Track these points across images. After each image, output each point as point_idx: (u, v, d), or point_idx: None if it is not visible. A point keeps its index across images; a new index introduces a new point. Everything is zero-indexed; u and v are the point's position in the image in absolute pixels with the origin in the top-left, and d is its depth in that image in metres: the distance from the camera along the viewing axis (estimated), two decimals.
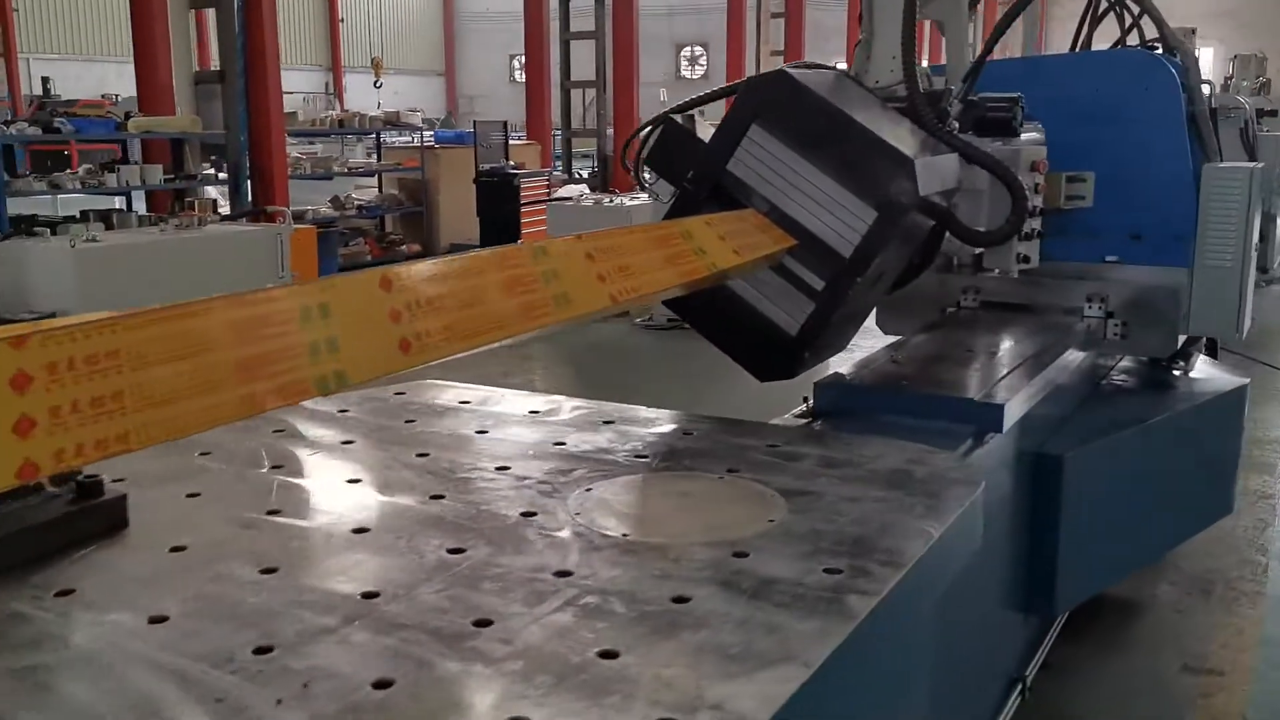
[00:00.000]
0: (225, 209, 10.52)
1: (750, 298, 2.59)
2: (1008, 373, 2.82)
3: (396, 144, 16.13)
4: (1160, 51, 3.91)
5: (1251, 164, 3.57)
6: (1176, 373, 3.84)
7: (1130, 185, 3.60)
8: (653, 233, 2.10)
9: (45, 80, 27.23)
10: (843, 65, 3.06)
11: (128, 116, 10.54)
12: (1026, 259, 3.08)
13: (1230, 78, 15.89)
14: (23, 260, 6.87)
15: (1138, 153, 3.58)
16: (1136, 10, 4.05)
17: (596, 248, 1.88)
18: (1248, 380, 3.77)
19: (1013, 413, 2.56)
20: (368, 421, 2.16)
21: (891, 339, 3.46)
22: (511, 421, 2.18)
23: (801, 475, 1.84)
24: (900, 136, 2.51)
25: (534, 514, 1.65)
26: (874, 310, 3.95)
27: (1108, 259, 3.65)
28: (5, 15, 28.70)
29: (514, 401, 2.34)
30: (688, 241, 2.17)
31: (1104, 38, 4.23)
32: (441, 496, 1.73)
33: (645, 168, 2.76)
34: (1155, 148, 3.56)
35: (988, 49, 2.87)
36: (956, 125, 2.84)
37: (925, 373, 2.80)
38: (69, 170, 10.99)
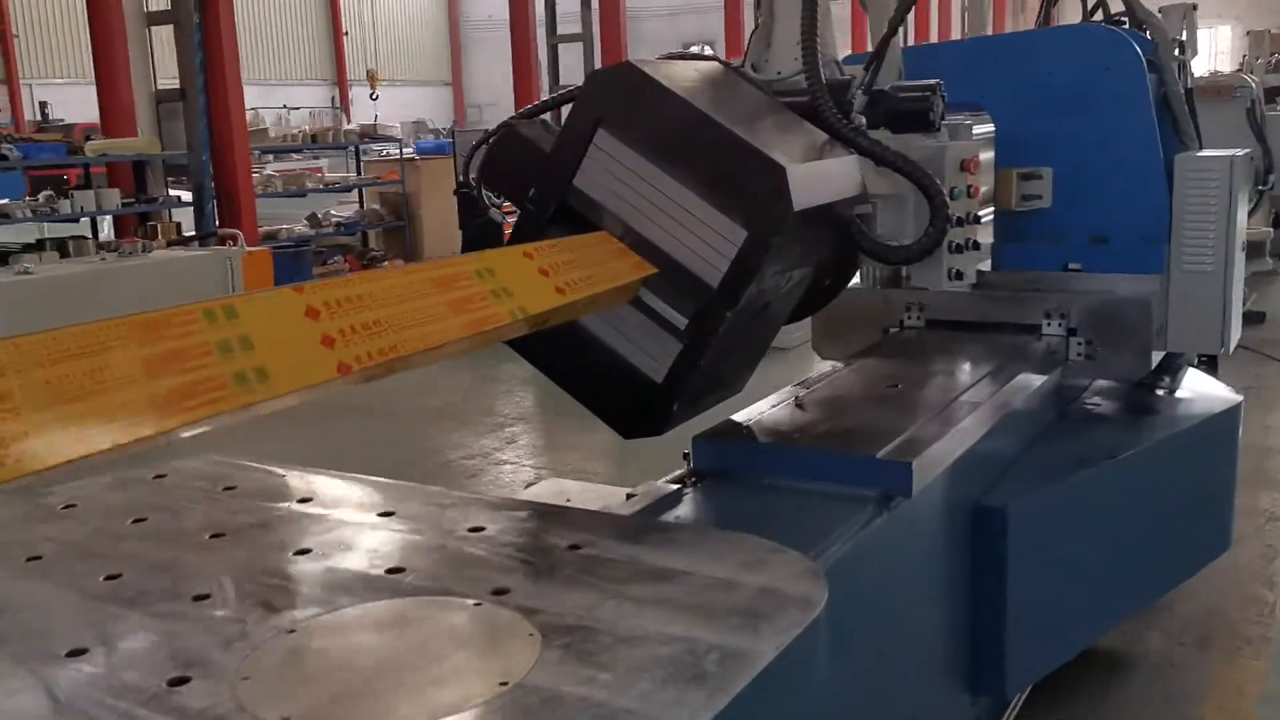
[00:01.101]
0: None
1: (607, 336, 2.14)
2: (938, 413, 2.36)
3: (394, 156, 15.68)
4: (1127, 27, 3.43)
5: (1232, 151, 3.08)
6: (1161, 391, 3.36)
7: (1093, 181, 3.13)
8: (433, 273, 1.65)
9: (43, 105, 27.14)
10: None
11: (88, 139, 10.19)
12: (959, 275, 2.61)
13: (1245, 56, 15.29)
14: None
15: (1101, 143, 3.10)
16: None
17: (328, 300, 1.44)
18: (1241, 399, 3.28)
19: (928, 469, 2.09)
20: (86, 520, 1.73)
21: (829, 365, 3.00)
22: (265, 516, 1.74)
23: (590, 595, 1.39)
24: (778, 139, 2.06)
25: (186, 680, 1.21)
26: (809, 333, 3.51)
27: (1070, 266, 3.17)
28: (6, 40, 28.54)
29: (290, 485, 1.90)
30: (484, 281, 1.72)
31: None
32: (83, 651, 1.29)
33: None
34: (1120, 137, 3.08)
35: (893, 29, 2.41)
36: (863, 120, 2.38)
37: (833, 419, 2.34)
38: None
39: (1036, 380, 2.80)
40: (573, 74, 16.27)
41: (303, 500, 1.80)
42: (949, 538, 2.37)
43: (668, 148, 2.01)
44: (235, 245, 8.05)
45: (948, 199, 2.33)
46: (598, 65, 16.59)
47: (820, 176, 2.07)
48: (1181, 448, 3.03)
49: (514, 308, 1.72)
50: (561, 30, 16.68)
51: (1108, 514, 2.76)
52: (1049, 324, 3.06)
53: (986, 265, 3.09)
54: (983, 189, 2.88)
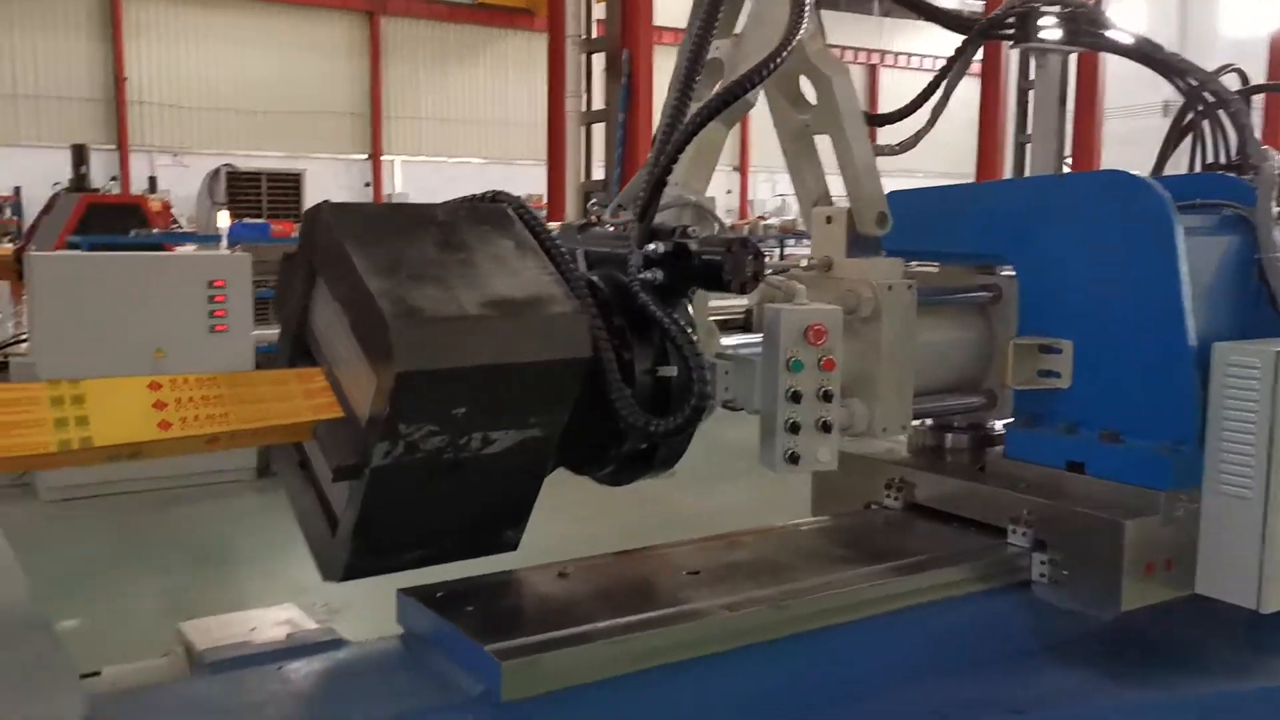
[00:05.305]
0: None
1: (318, 463, 2.16)
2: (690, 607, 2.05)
3: None
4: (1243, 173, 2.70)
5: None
6: None
7: (1112, 363, 2.50)
8: None
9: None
10: None
11: None
12: (795, 458, 2.23)
13: None
14: None
15: (1120, 317, 2.48)
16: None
17: None
18: None
19: (550, 672, 1.85)
20: None
21: None
22: None
23: None
24: (443, 291, 1.94)
25: None
26: None
27: (1074, 464, 2.54)
28: None
29: None
30: (51, 408, 1.85)
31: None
32: None
33: None
34: (1140, 310, 2.44)
35: (659, 173, 2.11)
36: (657, 275, 2.16)
37: (554, 597, 2.12)
38: None
39: (923, 594, 2.29)
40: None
41: None
42: None
43: (342, 292, 2.02)
44: None
45: (705, 372, 2.05)
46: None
47: (480, 334, 1.91)
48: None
49: (70, 438, 1.83)
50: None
51: None
52: (1014, 531, 2.48)
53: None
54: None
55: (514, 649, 1.86)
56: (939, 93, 2.82)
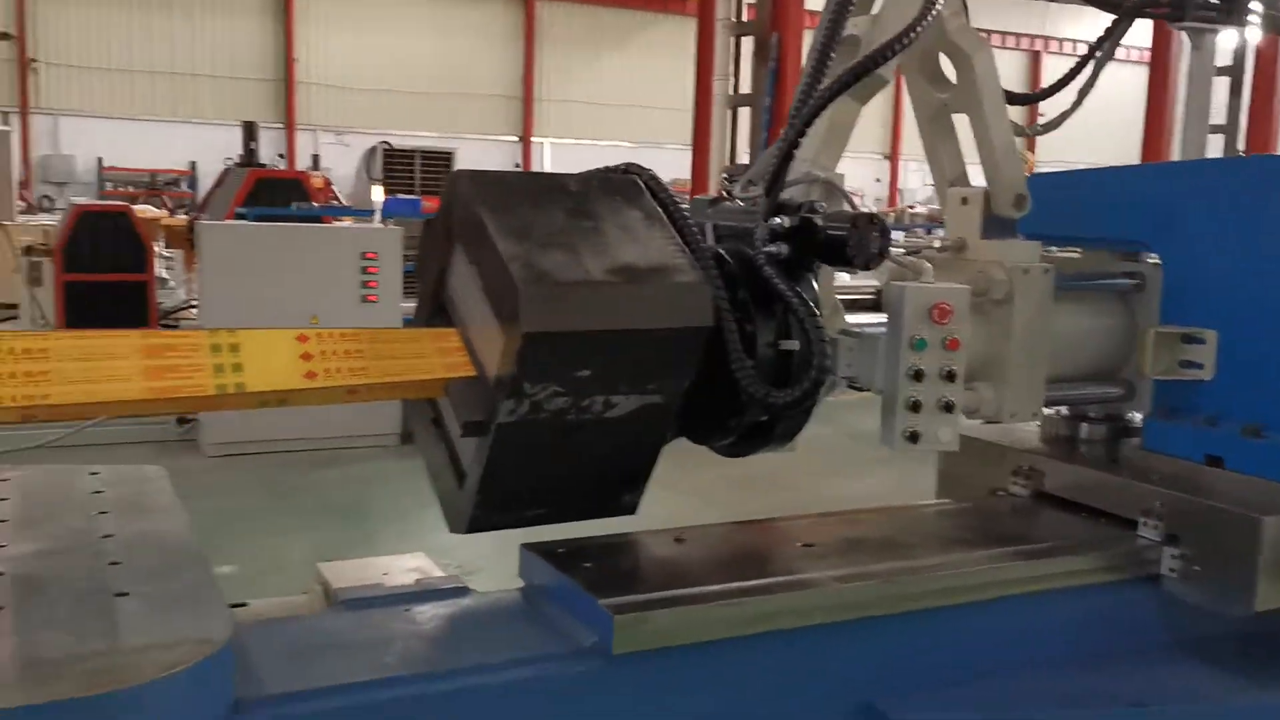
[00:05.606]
0: None
1: (449, 419, 2.26)
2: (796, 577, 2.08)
3: None
4: None
5: None
6: None
7: (1259, 355, 2.41)
8: (151, 339, 1.97)
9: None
10: None
11: None
12: (914, 436, 2.22)
13: None
14: None
15: (1271, 308, 2.38)
16: None
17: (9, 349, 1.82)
18: None
19: (665, 628, 1.90)
20: None
21: None
22: None
23: None
24: (571, 258, 2.02)
25: None
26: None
27: (1215, 458, 2.46)
28: None
29: None
30: (211, 355, 1.99)
31: None
32: None
33: None
34: None
35: (788, 144, 2.12)
36: (782, 249, 2.18)
37: (672, 561, 2.17)
38: None
39: (1034, 582, 2.25)
40: None
41: None
42: None
43: (476, 256, 2.10)
44: None
45: (825, 345, 2.06)
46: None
47: (605, 299, 1.97)
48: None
49: (227, 383, 1.97)
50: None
51: None
52: (1145, 524, 2.41)
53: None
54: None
55: (626, 604, 1.92)
56: (1087, 72, 2.75)
